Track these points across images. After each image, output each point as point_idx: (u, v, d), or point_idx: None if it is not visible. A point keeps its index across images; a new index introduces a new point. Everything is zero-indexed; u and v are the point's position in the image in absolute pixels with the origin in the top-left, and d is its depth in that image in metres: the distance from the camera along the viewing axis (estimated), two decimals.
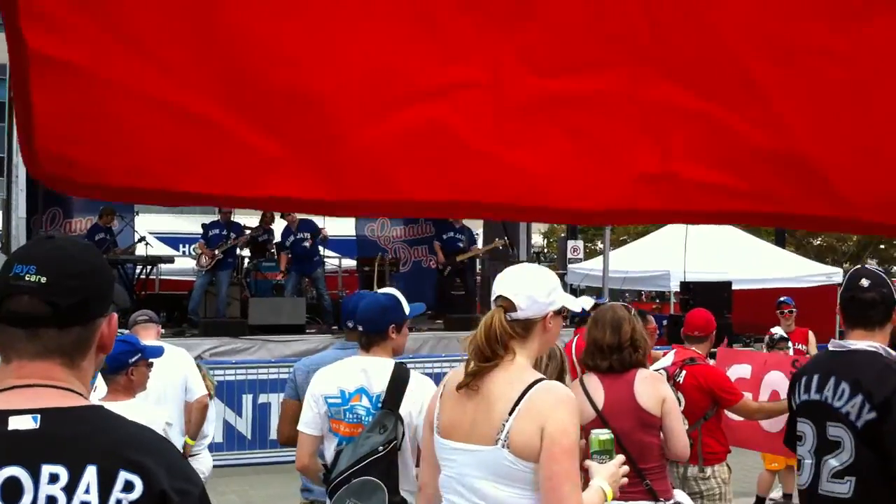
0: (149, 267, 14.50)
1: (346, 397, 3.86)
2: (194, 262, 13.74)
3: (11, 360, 1.62)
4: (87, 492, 1.52)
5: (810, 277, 15.66)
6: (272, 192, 1.71)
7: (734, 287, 13.79)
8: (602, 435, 3.04)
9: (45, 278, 1.59)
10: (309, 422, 3.93)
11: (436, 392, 3.00)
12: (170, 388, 5.63)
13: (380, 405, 3.78)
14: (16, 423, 1.54)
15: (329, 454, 3.89)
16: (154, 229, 16.33)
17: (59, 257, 1.64)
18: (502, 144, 1.72)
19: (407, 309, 4.08)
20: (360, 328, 3.95)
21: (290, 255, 14.09)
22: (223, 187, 1.71)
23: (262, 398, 10.49)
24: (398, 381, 3.79)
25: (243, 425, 10.47)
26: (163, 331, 6.71)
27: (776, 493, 8.48)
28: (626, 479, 2.99)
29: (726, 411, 5.36)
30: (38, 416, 1.56)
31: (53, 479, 1.52)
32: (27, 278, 1.59)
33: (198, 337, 12.02)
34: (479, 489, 2.72)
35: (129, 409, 4.23)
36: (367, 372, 3.85)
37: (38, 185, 14.43)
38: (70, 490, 1.52)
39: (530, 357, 2.84)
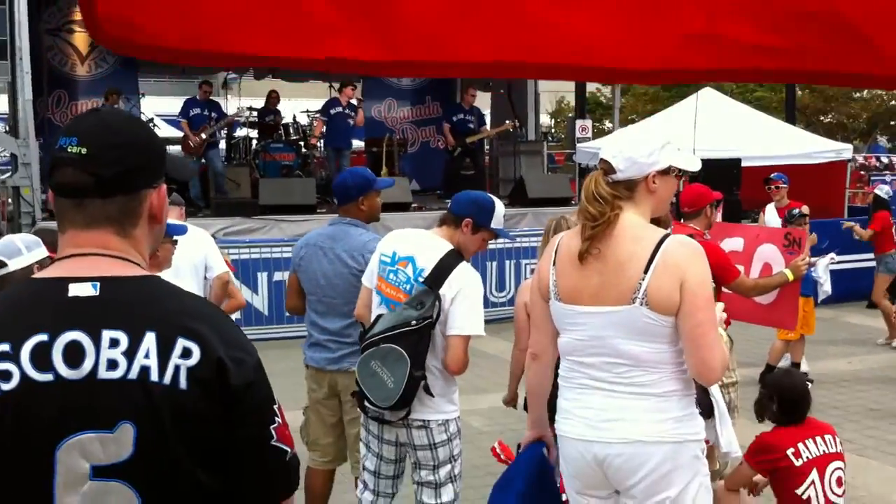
0: None
1: (394, 259, 3.94)
2: (181, 146, 13.72)
3: (66, 229, 1.66)
4: (146, 356, 1.55)
5: (820, 154, 15.55)
6: (330, 53, 1.73)
7: (744, 164, 13.73)
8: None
9: (85, 149, 1.62)
10: (369, 276, 4.10)
11: (545, 260, 3.00)
12: (189, 266, 5.71)
13: (420, 279, 3.83)
14: (76, 290, 1.58)
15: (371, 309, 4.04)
16: (161, 111, 16.23)
17: (101, 129, 1.66)
18: (555, 6, 1.72)
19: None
20: (451, 206, 4.06)
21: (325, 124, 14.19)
22: (282, 49, 1.73)
23: (277, 276, 10.63)
24: (445, 265, 3.83)
25: (259, 302, 10.65)
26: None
27: (785, 363, 8.66)
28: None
29: (722, 287, 5.43)
30: (98, 283, 1.59)
31: (114, 343, 1.55)
32: (69, 150, 1.62)
33: (210, 217, 12.10)
34: (617, 346, 2.78)
35: None
36: (424, 245, 3.92)
37: (42, 68, 14.32)
38: (130, 354, 1.55)
39: (644, 217, 2.86)
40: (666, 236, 2.80)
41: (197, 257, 5.81)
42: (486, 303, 11.69)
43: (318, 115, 14.82)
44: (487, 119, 16.75)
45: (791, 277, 5.45)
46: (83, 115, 1.74)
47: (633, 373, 2.80)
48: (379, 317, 3.85)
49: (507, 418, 7.34)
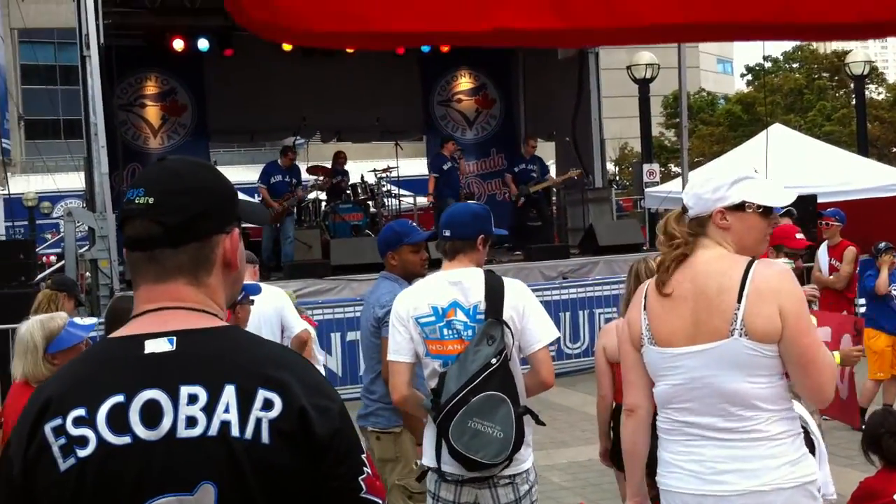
0: None
1: (440, 314, 3.62)
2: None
3: (139, 285, 1.63)
4: (226, 411, 1.50)
5: None
6: (498, 24, 1.61)
7: (820, 199, 13.42)
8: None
9: (152, 199, 1.59)
10: (400, 348, 3.68)
11: (634, 306, 2.92)
12: (265, 325, 5.74)
13: (478, 316, 3.55)
14: (152, 347, 1.54)
15: (430, 378, 3.68)
16: (232, 179, 16.52)
17: (166, 176, 1.63)
18: None
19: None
20: (448, 233, 3.73)
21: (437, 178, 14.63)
22: (444, 23, 1.61)
23: (350, 335, 10.64)
24: (495, 289, 3.56)
25: (333, 363, 10.65)
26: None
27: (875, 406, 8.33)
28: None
29: None
30: (174, 338, 1.55)
31: (192, 399, 1.50)
32: (137, 201, 1.60)
33: (283, 280, 12.20)
34: (720, 386, 2.66)
35: None
36: (459, 283, 3.62)
37: (116, 142, 14.75)
38: (209, 410, 1.50)
39: (722, 247, 2.79)
40: (751, 262, 2.71)
41: (273, 317, 5.84)
42: (561, 354, 11.61)
43: (431, 174, 15.24)
44: (553, 167, 16.71)
45: (838, 361, 5.26)
46: (149, 167, 1.72)
47: (741, 415, 2.68)
48: (443, 376, 3.51)
49: (588, 473, 7.17)
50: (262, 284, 5.39)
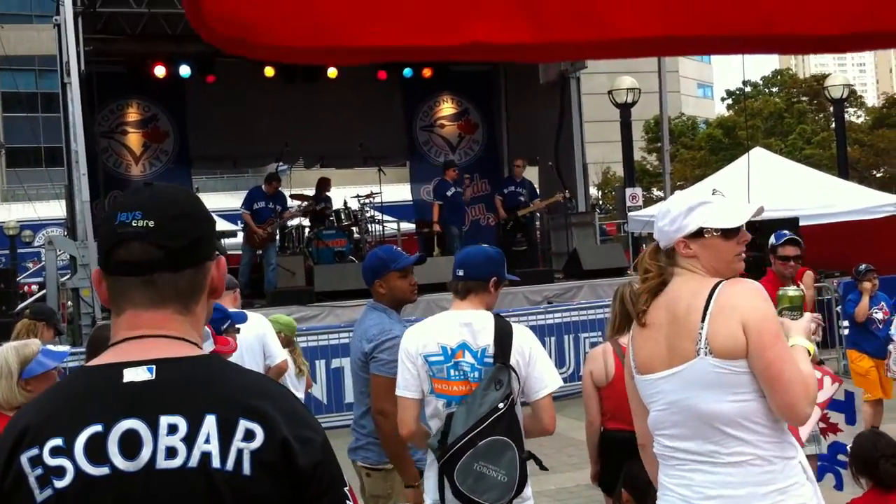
0: None
1: (448, 354, 3.63)
2: (242, 238, 13.90)
3: (124, 310, 1.58)
4: (207, 441, 1.47)
5: (879, 208, 15.25)
6: (473, 38, 1.54)
7: (802, 223, 13.48)
8: (791, 291, 3.07)
9: (152, 222, 1.55)
10: (408, 385, 3.70)
11: (629, 338, 2.94)
12: (247, 353, 5.68)
13: (486, 359, 3.58)
14: (131, 375, 1.50)
15: (432, 416, 3.69)
16: (214, 206, 16.49)
17: (162, 201, 1.60)
18: None
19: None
20: (461, 273, 3.75)
21: (441, 206, 14.56)
22: (418, 37, 1.55)
23: (335, 363, 10.59)
24: (504, 333, 3.60)
25: (318, 390, 10.56)
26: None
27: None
28: (819, 334, 3.01)
29: None
30: (154, 366, 1.51)
31: (172, 429, 1.47)
32: (134, 224, 1.55)
33: (266, 307, 12.13)
34: (696, 407, 2.63)
35: None
36: (470, 325, 3.64)
37: (97, 170, 14.68)
38: (190, 440, 1.47)
39: (700, 278, 2.75)
40: (719, 282, 2.70)
41: (255, 343, 5.79)
42: None
43: (433, 199, 15.24)
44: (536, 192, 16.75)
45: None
46: (137, 190, 1.66)
47: (724, 438, 2.64)
48: (450, 417, 3.53)
49: (576, 499, 7.11)
50: (246, 312, 5.34)
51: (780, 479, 2.64)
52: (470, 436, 3.43)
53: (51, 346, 4.10)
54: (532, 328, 12.31)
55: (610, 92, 17.12)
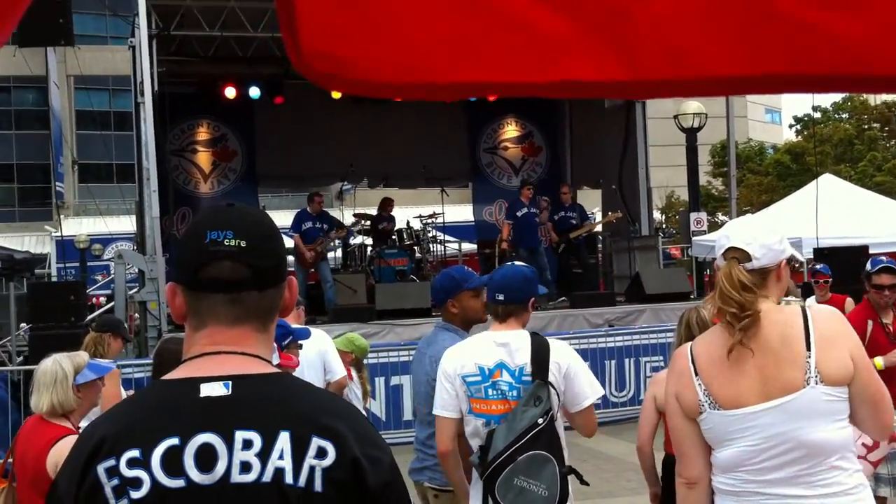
0: None
1: (486, 374, 3.69)
2: (293, 258, 14.00)
3: (206, 325, 1.61)
4: (280, 458, 1.49)
5: None
6: (564, 76, 1.56)
7: (872, 251, 13.19)
8: None
9: (244, 242, 1.58)
10: (446, 404, 3.78)
11: (680, 376, 2.79)
12: (308, 369, 5.76)
13: (524, 378, 3.63)
14: (207, 390, 1.53)
15: (472, 436, 3.73)
16: (280, 223, 16.70)
17: (251, 222, 1.64)
18: (827, 7, 1.54)
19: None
20: (502, 297, 3.82)
21: (512, 226, 14.42)
22: (509, 74, 1.58)
23: (394, 380, 10.65)
24: (541, 351, 3.66)
25: (377, 407, 10.63)
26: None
27: None
28: None
29: None
30: (230, 382, 1.54)
31: (247, 444, 1.49)
32: (227, 243, 1.58)
33: (327, 324, 12.26)
34: (802, 438, 2.60)
35: None
36: (507, 345, 3.70)
37: (167, 187, 15.02)
38: (264, 456, 1.49)
39: (774, 301, 2.77)
40: (804, 309, 2.70)
41: (316, 359, 5.87)
42: (606, 403, 11.47)
43: (504, 220, 15.15)
44: (598, 215, 16.67)
45: (880, 366, 5.17)
46: (224, 210, 1.71)
47: (821, 468, 2.61)
48: (491, 434, 3.58)
49: None
50: (309, 328, 5.42)
51: None
52: (510, 451, 3.48)
53: (98, 361, 4.35)
54: (592, 351, 12.20)
55: (676, 116, 16.99)
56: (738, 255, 2.74)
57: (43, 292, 11.79)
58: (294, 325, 5.20)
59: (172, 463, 1.48)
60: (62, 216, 25.59)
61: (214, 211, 1.71)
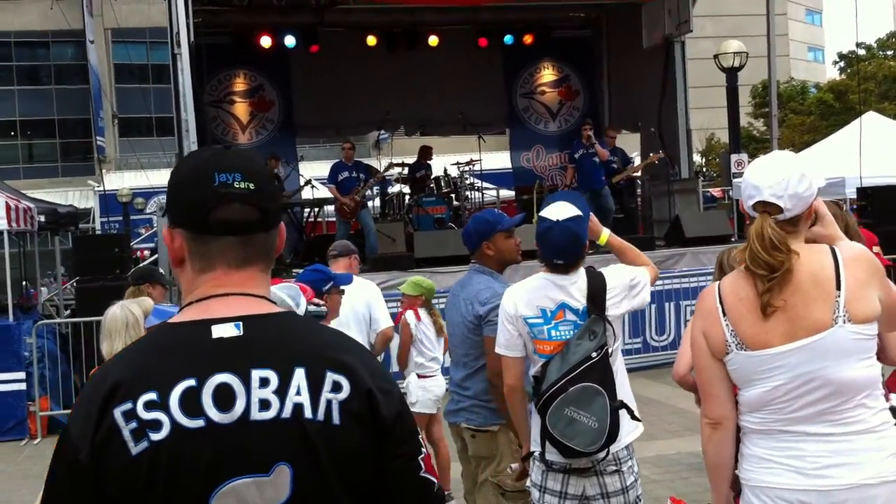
0: (315, 209, 14.98)
1: (548, 315, 3.70)
2: (334, 209, 14.02)
3: (215, 268, 1.61)
4: (298, 393, 1.52)
5: None
6: None
7: None
8: None
9: (252, 184, 1.59)
10: (510, 344, 3.81)
11: (708, 316, 2.77)
12: (354, 318, 5.82)
13: (586, 315, 3.63)
14: (220, 332, 1.54)
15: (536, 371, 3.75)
16: (318, 174, 16.81)
17: (255, 165, 1.65)
18: None
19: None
20: (561, 262, 3.70)
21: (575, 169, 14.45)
22: None
23: None
24: (596, 287, 3.64)
25: None
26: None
27: None
28: None
29: None
30: (241, 323, 1.55)
31: (264, 382, 1.51)
32: (236, 185, 1.58)
33: (367, 273, 12.34)
34: (830, 377, 2.60)
35: None
36: (564, 287, 3.68)
37: (206, 139, 15.09)
38: (282, 393, 1.52)
39: (803, 240, 2.75)
40: (833, 249, 2.69)
41: (361, 308, 5.92)
42: (647, 347, 11.47)
43: (567, 163, 15.25)
44: (637, 159, 16.51)
45: None
46: (227, 152, 1.67)
47: (848, 406, 2.62)
48: (546, 365, 3.61)
49: (677, 466, 7.09)
50: (353, 275, 5.46)
51: (893, 444, 2.65)
52: (562, 382, 3.52)
53: (161, 306, 4.42)
54: None
55: (716, 56, 16.68)
56: (768, 207, 2.70)
57: (88, 246, 11.95)
58: (339, 272, 5.25)
59: (191, 403, 1.49)
60: (104, 170, 25.88)
61: (216, 152, 1.66)
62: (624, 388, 3.69)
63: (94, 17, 18.93)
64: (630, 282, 3.74)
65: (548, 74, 18.59)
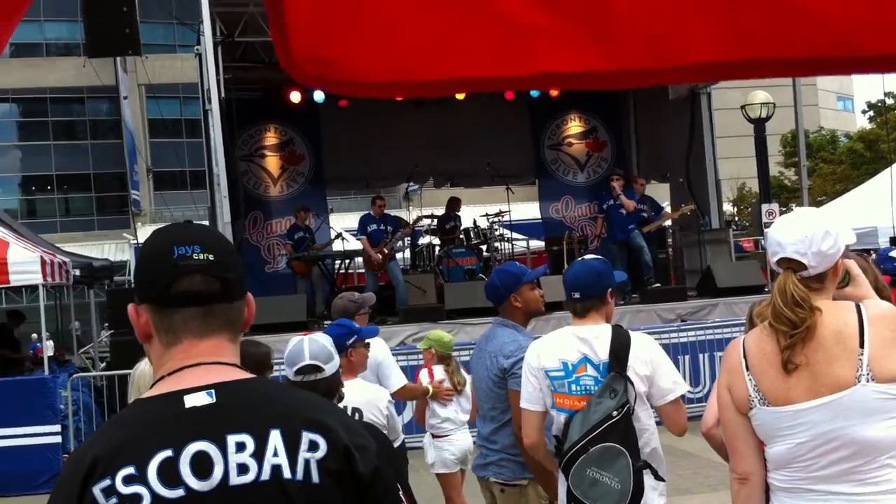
0: (346, 261, 15.05)
1: (569, 369, 3.71)
2: (363, 261, 14.05)
3: (181, 340, 1.64)
4: (275, 455, 1.54)
5: None
6: (543, 68, 1.57)
7: None
8: None
9: (212, 255, 1.63)
10: (532, 398, 3.83)
11: (732, 370, 2.76)
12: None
13: (607, 372, 3.62)
14: (192, 401, 1.56)
15: (556, 428, 3.75)
16: (347, 226, 16.92)
17: (214, 237, 1.69)
18: None
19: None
20: (578, 294, 3.80)
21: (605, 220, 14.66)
22: (489, 69, 1.60)
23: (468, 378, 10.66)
24: (621, 344, 3.65)
25: None
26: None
27: None
28: None
29: None
30: (213, 390, 1.57)
31: (241, 447, 1.53)
32: (195, 257, 1.62)
33: (398, 324, 12.35)
34: (853, 436, 2.56)
35: (354, 387, 4.40)
36: (588, 340, 3.70)
37: (238, 192, 15.27)
38: (259, 455, 1.53)
39: (830, 298, 2.72)
40: (857, 306, 2.64)
41: (368, 373, 5.78)
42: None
43: (597, 214, 15.46)
44: (668, 209, 16.47)
45: None
46: (184, 226, 1.73)
47: (872, 465, 2.56)
48: (568, 424, 3.61)
49: None
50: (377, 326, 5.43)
51: None
52: (583, 441, 3.50)
53: None
54: (665, 347, 12.02)
55: (743, 107, 16.70)
56: (792, 264, 2.68)
57: (122, 299, 12.07)
58: (365, 326, 5.25)
59: (169, 474, 1.50)
60: (139, 223, 26.19)
61: (175, 227, 1.72)
62: (651, 445, 3.65)
63: (127, 74, 19.30)
64: (664, 370, 3.66)
65: (575, 126, 18.67)
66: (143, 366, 4.11)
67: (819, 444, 2.59)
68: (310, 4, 1.59)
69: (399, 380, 5.89)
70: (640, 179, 15.45)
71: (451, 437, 6.56)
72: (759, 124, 16.84)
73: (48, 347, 15.03)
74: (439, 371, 6.68)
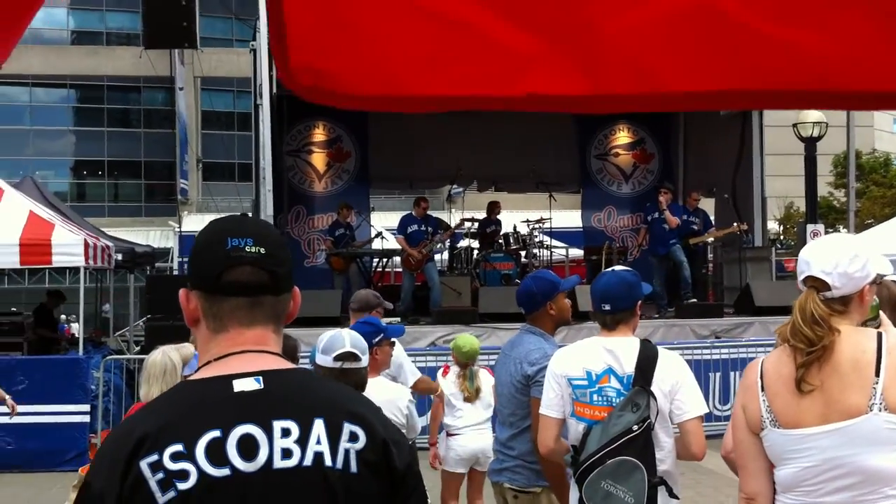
0: (385, 259, 15.15)
1: (593, 379, 3.69)
2: (400, 260, 14.12)
3: (229, 328, 1.70)
4: (318, 443, 1.60)
5: None
6: (531, 90, 1.62)
7: None
8: None
9: (263, 249, 1.69)
10: (552, 404, 3.81)
11: (748, 390, 2.77)
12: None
13: (631, 385, 3.60)
14: (240, 385, 1.62)
15: (574, 437, 3.74)
16: (389, 225, 17.03)
17: (268, 231, 1.76)
18: (786, 25, 1.52)
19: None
20: (608, 307, 3.78)
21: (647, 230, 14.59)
22: (478, 88, 1.65)
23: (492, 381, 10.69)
24: (647, 358, 3.62)
25: None
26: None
27: None
28: None
29: None
30: (261, 377, 1.64)
31: (286, 433, 1.59)
32: (248, 249, 1.68)
33: (430, 325, 12.41)
34: (860, 464, 2.56)
35: (376, 385, 4.46)
36: (614, 352, 3.69)
37: (282, 186, 15.46)
38: (303, 442, 1.59)
39: (854, 325, 2.70)
40: (879, 334, 2.62)
41: (395, 363, 5.88)
42: (709, 416, 11.14)
43: (640, 225, 15.39)
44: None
45: None
46: (239, 219, 1.80)
47: (876, 496, 2.55)
48: (587, 435, 3.59)
49: None
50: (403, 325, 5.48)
51: None
52: (600, 454, 3.47)
53: None
54: (697, 363, 11.94)
55: (795, 125, 16.52)
56: (816, 283, 2.68)
57: (160, 285, 12.26)
58: (391, 325, 5.30)
59: (216, 453, 1.56)
60: (185, 212, 26.56)
61: (231, 219, 1.79)
62: (667, 462, 3.63)
63: (184, 66, 19.62)
64: (687, 389, 3.64)
65: (623, 137, 18.60)
66: (157, 355, 4.22)
67: (826, 470, 2.58)
68: (309, 18, 1.65)
69: (412, 376, 5.98)
70: (694, 193, 15.25)
71: (460, 438, 6.64)
72: (810, 143, 16.65)
73: (77, 329, 15.32)
74: (453, 373, 6.82)
